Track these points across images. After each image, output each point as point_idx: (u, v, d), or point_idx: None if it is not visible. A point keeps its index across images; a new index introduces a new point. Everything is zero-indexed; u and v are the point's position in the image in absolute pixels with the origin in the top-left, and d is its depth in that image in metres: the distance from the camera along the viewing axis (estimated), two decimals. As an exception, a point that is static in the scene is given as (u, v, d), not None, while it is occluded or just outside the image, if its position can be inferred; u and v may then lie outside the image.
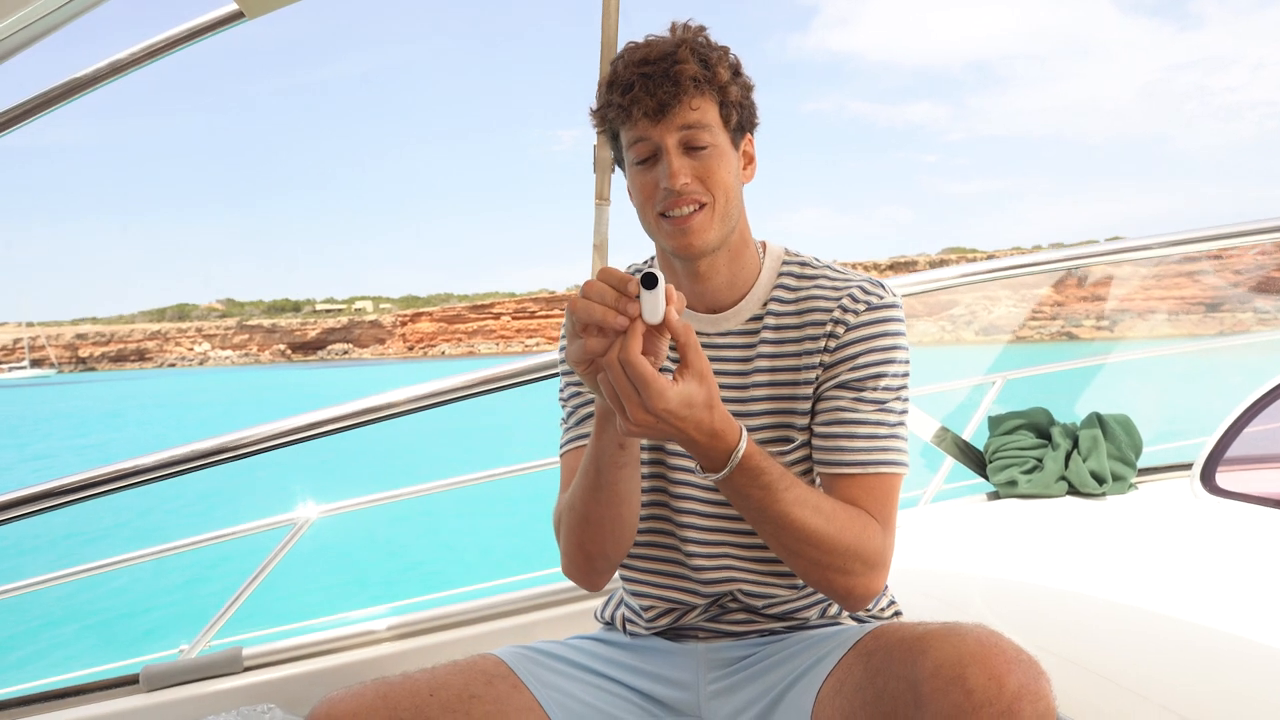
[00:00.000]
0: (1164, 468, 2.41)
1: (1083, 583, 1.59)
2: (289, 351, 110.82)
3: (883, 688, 0.91)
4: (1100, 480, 2.22)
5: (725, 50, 1.09)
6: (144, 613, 8.12)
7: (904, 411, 1.11)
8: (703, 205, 1.07)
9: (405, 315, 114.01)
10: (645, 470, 1.18)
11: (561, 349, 1.23)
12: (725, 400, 1.14)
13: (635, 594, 1.22)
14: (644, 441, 1.17)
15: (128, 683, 1.62)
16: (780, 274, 1.17)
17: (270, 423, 1.72)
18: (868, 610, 1.20)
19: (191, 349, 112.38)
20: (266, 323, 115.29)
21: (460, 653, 1.14)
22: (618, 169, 1.16)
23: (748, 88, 1.11)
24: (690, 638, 1.19)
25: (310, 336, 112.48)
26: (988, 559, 1.82)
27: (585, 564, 1.13)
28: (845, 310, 1.11)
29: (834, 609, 1.19)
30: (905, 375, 1.12)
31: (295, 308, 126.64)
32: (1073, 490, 2.25)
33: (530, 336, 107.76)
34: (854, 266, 1.16)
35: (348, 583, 9.04)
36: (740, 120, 1.11)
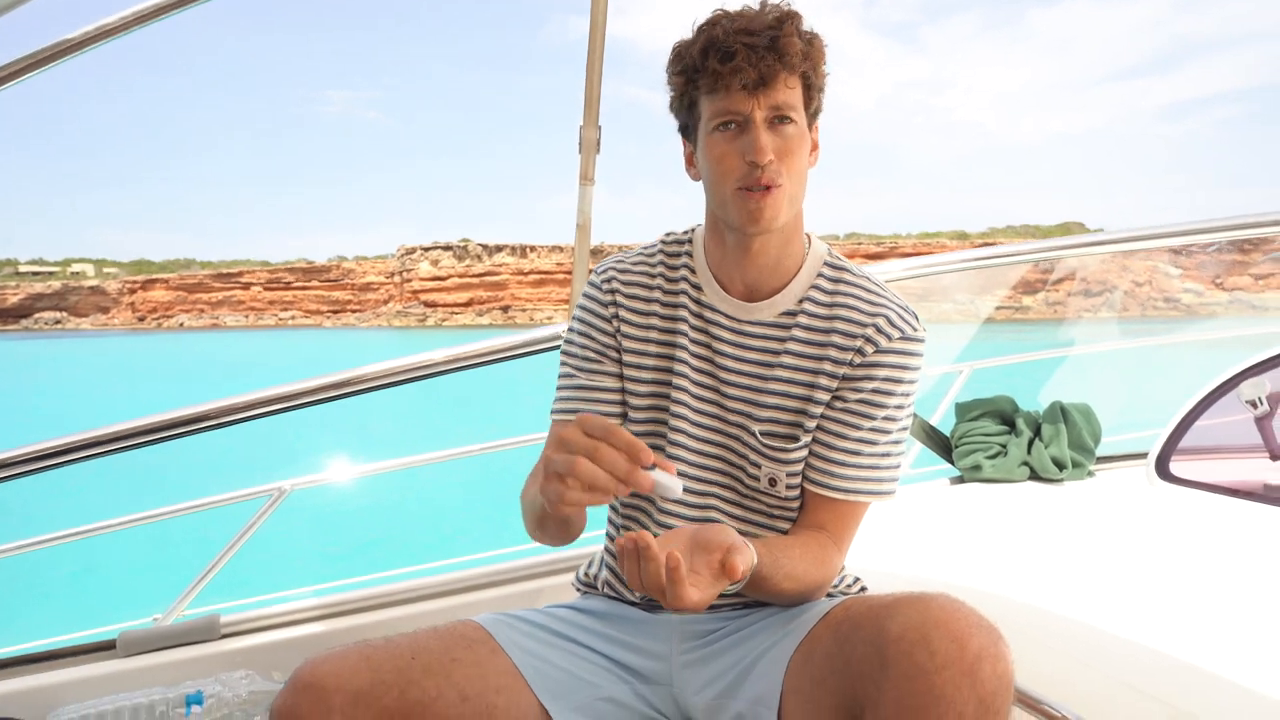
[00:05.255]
0: (1121, 456, 2.49)
1: (1041, 563, 1.66)
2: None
3: (850, 653, 0.94)
4: (1061, 466, 2.29)
5: (818, 34, 1.09)
6: (121, 579, 8.01)
7: (902, 441, 1.16)
8: (777, 185, 1.07)
9: (135, 282, 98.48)
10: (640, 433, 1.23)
11: (567, 340, 1.26)
12: (741, 388, 1.19)
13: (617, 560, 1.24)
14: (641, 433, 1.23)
15: (104, 648, 1.62)
16: (818, 273, 1.18)
17: (258, 390, 1.72)
18: (835, 586, 1.24)
19: None
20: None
21: (439, 622, 1.15)
22: (600, 151, 1.17)
23: (825, 75, 1.12)
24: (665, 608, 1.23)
25: (11, 303, 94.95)
26: (952, 540, 1.88)
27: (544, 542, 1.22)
28: (879, 332, 1.13)
29: None
30: (912, 405, 1.17)
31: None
32: (1034, 476, 2.31)
33: (285, 309, 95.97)
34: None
35: (324, 553, 9.00)
36: (816, 106, 1.12)
